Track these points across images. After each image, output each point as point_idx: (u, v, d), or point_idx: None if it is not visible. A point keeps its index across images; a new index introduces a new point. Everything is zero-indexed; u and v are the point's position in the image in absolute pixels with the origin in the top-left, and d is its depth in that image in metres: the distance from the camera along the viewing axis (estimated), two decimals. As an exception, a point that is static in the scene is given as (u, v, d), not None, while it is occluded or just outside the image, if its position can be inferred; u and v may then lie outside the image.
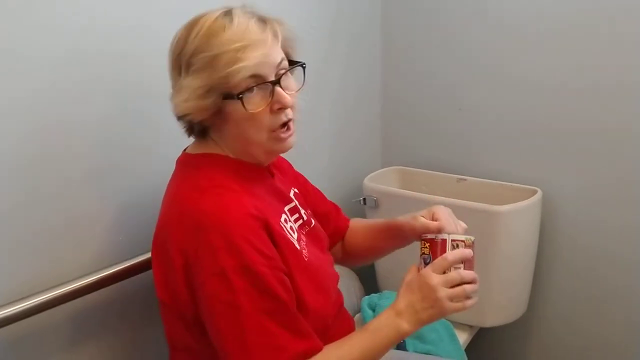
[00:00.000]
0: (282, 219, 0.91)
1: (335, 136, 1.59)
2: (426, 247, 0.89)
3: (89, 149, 0.97)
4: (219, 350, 0.81)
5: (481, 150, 1.58)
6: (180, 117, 0.87)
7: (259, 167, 0.93)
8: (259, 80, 0.82)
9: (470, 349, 1.46)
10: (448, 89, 1.60)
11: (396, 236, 1.03)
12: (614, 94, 1.36)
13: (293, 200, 1.00)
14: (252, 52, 0.80)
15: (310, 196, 1.10)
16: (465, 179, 1.57)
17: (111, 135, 1.00)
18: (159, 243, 0.86)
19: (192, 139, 0.93)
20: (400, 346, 1.29)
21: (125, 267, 0.99)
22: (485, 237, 1.37)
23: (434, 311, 0.84)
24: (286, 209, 0.96)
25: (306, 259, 0.90)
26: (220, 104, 0.83)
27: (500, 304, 1.46)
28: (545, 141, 1.48)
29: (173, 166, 0.93)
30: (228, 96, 0.82)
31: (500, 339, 1.68)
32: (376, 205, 1.53)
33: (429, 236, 0.90)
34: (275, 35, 0.84)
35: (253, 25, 0.82)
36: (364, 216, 1.59)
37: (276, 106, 0.85)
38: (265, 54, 0.82)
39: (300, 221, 0.98)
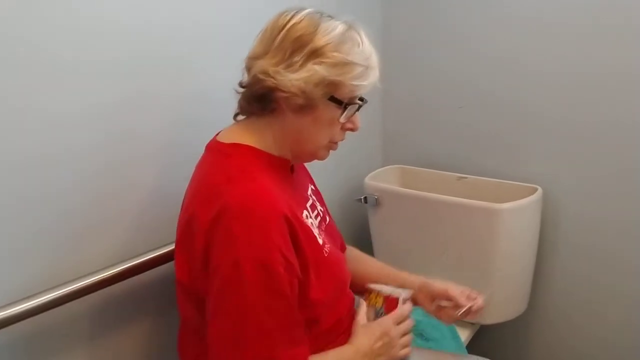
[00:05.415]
0: (304, 215, 0.92)
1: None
2: (378, 301, 1.01)
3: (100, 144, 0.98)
4: (210, 334, 0.81)
5: (482, 148, 1.59)
6: (268, 89, 0.85)
7: (287, 162, 0.94)
8: (357, 100, 0.89)
9: (471, 346, 1.47)
10: (449, 87, 1.60)
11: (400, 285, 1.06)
12: (615, 91, 1.36)
13: (311, 197, 1.01)
14: (373, 76, 0.88)
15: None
16: (465, 177, 1.57)
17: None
18: (185, 225, 0.86)
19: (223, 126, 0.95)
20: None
21: (145, 260, 1.01)
22: (485, 235, 1.39)
23: (387, 356, 0.94)
24: (307, 205, 0.97)
25: (326, 255, 0.92)
26: (318, 100, 0.85)
27: (501, 301, 1.46)
28: (545, 139, 1.48)
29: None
30: (334, 99, 0.86)
31: (501, 336, 1.69)
32: (377, 203, 1.54)
33: (385, 292, 1.01)
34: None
35: (374, 51, 0.89)
36: (365, 215, 1.59)
37: (350, 126, 0.93)
38: (376, 82, 0.89)
39: (319, 218, 0.99)
